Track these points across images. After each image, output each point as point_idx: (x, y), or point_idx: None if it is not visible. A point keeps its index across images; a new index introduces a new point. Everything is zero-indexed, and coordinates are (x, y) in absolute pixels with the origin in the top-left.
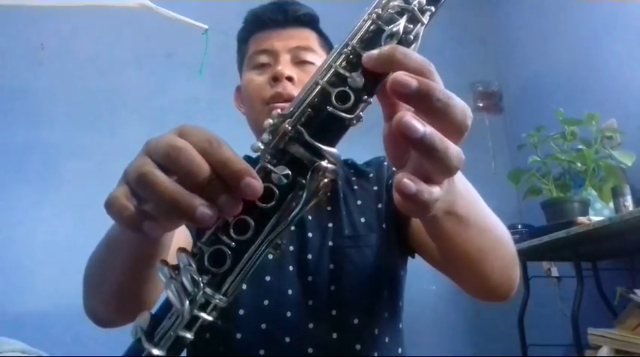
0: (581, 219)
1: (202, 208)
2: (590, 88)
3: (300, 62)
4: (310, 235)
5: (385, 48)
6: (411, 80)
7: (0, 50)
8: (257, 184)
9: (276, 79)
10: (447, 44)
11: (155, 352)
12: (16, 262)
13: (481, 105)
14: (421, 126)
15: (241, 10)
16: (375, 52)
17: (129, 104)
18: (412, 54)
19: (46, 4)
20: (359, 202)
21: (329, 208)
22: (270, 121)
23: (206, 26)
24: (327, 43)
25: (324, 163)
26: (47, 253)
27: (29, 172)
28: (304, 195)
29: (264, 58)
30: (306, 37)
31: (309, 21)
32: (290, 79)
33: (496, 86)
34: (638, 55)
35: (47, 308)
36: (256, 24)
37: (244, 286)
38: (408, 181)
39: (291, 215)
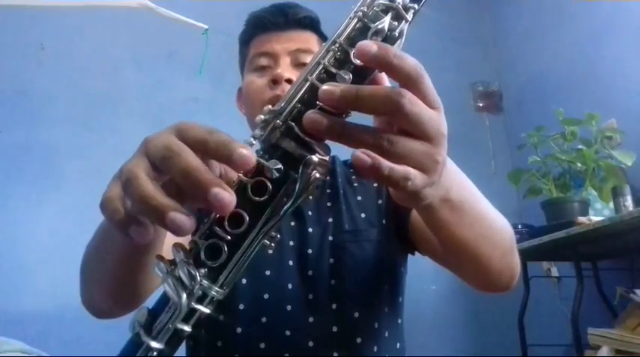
0: (581, 219)
1: (174, 213)
2: (590, 88)
3: (300, 65)
4: (310, 230)
5: (380, 47)
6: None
7: (0, 50)
8: (248, 154)
9: (275, 81)
10: (447, 45)
11: (153, 344)
12: (16, 262)
13: (481, 105)
14: (323, 118)
15: (241, 10)
16: (371, 48)
17: (129, 104)
18: (405, 57)
19: (46, 4)
20: (359, 198)
21: (329, 204)
22: (262, 116)
23: (206, 26)
24: None
25: (315, 157)
26: (47, 253)
27: (29, 172)
28: (296, 188)
29: (264, 61)
30: (307, 39)
31: (310, 23)
32: (289, 81)
33: (496, 86)
34: (638, 55)
35: (47, 308)
36: (257, 26)
37: (244, 281)
38: (360, 154)
39: (284, 208)
